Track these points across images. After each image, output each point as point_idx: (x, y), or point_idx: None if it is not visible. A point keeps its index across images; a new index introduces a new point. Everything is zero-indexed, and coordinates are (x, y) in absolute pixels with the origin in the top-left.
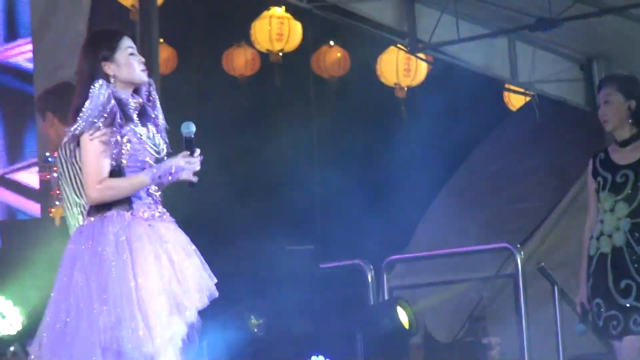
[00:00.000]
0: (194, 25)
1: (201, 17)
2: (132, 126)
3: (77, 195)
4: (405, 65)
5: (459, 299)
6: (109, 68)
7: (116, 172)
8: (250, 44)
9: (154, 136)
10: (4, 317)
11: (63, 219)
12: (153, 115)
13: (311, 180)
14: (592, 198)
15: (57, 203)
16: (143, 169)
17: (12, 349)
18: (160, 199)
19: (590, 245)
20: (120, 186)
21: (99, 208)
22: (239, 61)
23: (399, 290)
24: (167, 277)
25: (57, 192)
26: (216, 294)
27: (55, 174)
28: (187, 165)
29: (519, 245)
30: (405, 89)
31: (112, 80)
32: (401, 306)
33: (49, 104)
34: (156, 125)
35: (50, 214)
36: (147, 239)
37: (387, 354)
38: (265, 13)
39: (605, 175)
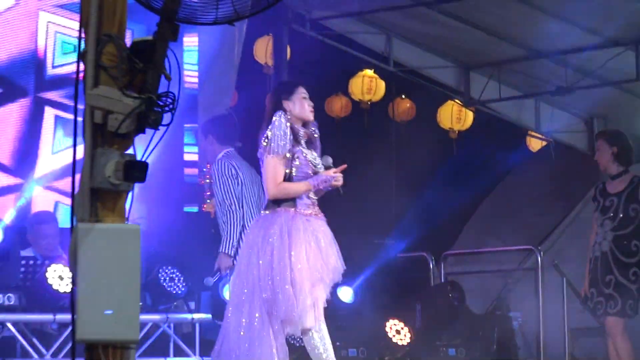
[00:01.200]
0: (307, 77)
1: (310, 72)
2: (301, 148)
3: (223, 198)
4: (458, 115)
5: (491, 283)
6: (286, 105)
7: (286, 180)
8: (345, 94)
9: (315, 157)
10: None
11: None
12: (315, 143)
13: (390, 193)
14: (593, 216)
15: (207, 201)
16: (305, 179)
17: (175, 303)
18: (316, 202)
19: (591, 250)
20: (291, 188)
21: (272, 204)
22: (337, 106)
23: (452, 276)
24: (313, 259)
25: (208, 193)
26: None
27: (207, 181)
28: (332, 178)
29: (539, 247)
30: (457, 132)
31: (288, 114)
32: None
33: (210, 128)
34: (316, 149)
35: (204, 209)
36: (304, 230)
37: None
38: (360, 73)
39: (599, 200)
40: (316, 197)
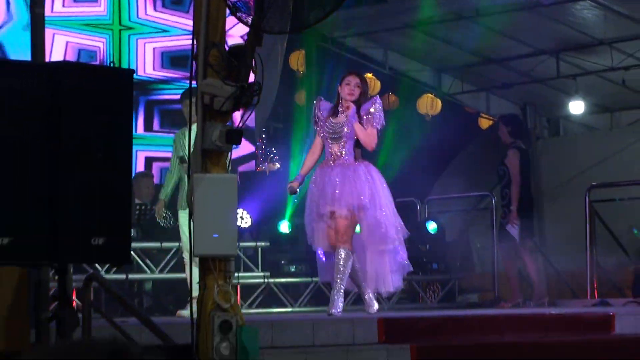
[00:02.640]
0: (326, 80)
1: (329, 76)
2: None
3: None
4: (431, 104)
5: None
6: (338, 88)
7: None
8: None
9: (336, 124)
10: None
11: (272, 171)
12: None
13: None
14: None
15: (260, 165)
16: (327, 139)
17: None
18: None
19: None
20: None
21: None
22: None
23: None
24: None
25: (261, 159)
26: None
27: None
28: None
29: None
30: (430, 116)
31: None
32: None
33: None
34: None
35: (257, 170)
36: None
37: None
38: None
39: None
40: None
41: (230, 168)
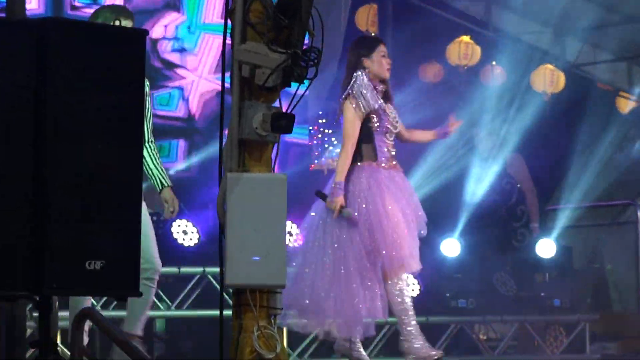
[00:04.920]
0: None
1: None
2: (381, 103)
3: None
4: (550, 79)
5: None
6: (366, 62)
7: (366, 134)
8: (442, 59)
9: (392, 112)
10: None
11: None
12: (391, 99)
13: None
14: None
15: (315, 161)
16: (386, 133)
17: None
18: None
19: None
20: (342, 162)
21: (356, 157)
22: (430, 73)
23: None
24: (404, 207)
25: (316, 153)
26: None
27: (315, 142)
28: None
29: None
30: (550, 94)
31: (367, 71)
32: None
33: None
34: (392, 104)
35: (311, 168)
36: (388, 182)
37: None
38: (457, 39)
39: None
40: (394, 151)
41: (276, 165)
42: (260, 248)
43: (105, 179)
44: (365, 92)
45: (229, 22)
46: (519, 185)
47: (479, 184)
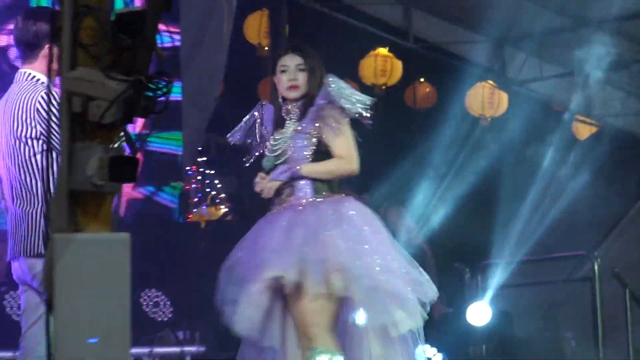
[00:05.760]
0: None
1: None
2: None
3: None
4: (489, 99)
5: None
6: (275, 81)
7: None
8: (354, 78)
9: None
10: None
11: (207, 222)
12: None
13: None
14: None
15: (194, 210)
16: None
17: (159, 334)
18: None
19: None
20: None
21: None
22: None
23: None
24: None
25: (195, 200)
26: None
27: (193, 186)
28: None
29: (595, 253)
30: (489, 119)
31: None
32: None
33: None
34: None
35: (189, 218)
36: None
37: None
38: (372, 52)
39: None
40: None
41: (117, 222)
42: (97, 327)
43: None
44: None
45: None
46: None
47: None
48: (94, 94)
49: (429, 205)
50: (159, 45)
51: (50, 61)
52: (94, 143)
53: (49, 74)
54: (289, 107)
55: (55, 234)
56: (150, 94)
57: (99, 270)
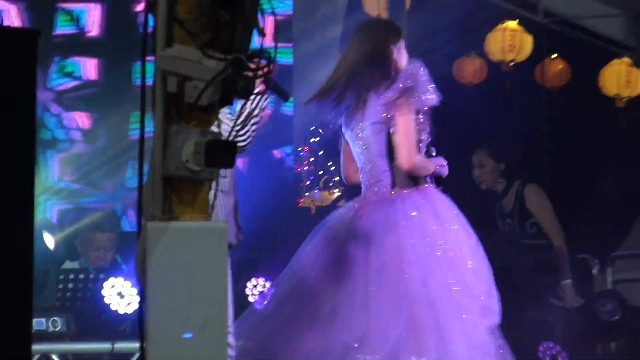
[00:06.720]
0: (432, 34)
1: (436, 27)
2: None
3: None
4: (626, 78)
5: None
6: (393, 51)
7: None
8: (480, 54)
9: None
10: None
11: (318, 207)
12: None
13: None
14: None
15: (306, 194)
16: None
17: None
18: None
19: None
20: (427, 165)
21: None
22: (468, 70)
23: (622, 284)
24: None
25: (307, 183)
26: None
27: (305, 168)
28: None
29: None
30: (625, 99)
31: (393, 64)
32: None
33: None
34: None
35: (300, 203)
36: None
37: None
38: (500, 26)
39: None
40: None
41: (216, 208)
42: (193, 321)
43: None
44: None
45: (149, 18)
46: None
47: None
48: (190, 74)
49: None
50: (267, 15)
51: (144, 37)
52: (190, 127)
53: (143, 50)
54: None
55: (148, 222)
56: (250, 73)
57: (194, 261)
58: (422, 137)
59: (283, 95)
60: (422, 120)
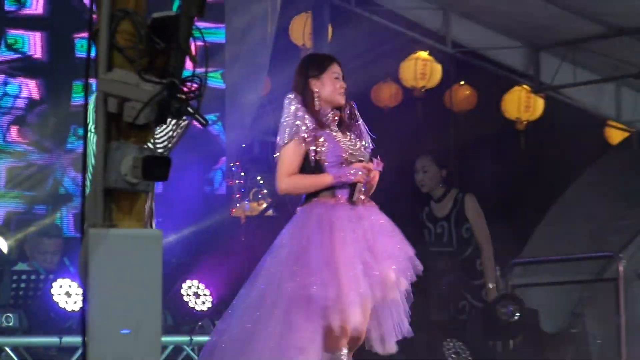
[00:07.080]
0: (351, 61)
1: (355, 56)
2: (329, 131)
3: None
4: (526, 103)
5: (564, 296)
6: (314, 85)
7: (316, 168)
8: (395, 80)
9: (354, 141)
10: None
11: (247, 217)
12: (355, 127)
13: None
14: None
15: (237, 205)
16: (341, 163)
17: (200, 323)
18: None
19: None
20: (305, 181)
21: (308, 197)
22: (385, 94)
23: (519, 288)
24: (359, 248)
25: (237, 196)
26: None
27: (237, 181)
28: (362, 172)
29: (620, 255)
30: (525, 122)
31: (316, 95)
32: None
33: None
34: (359, 134)
35: (232, 213)
36: (347, 219)
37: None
38: (412, 56)
39: None
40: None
41: (152, 218)
42: (130, 319)
43: None
44: (294, 118)
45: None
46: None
47: None
48: (128, 95)
49: None
50: (201, 42)
51: (87, 63)
52: (128, 143)
53: (87, 75)
54: (331, 113)
55: (90, 229)
56: (183, 96)
57: (131, 264)
58: (322, 157)
59: (201, 121)
60: (321, 143)
